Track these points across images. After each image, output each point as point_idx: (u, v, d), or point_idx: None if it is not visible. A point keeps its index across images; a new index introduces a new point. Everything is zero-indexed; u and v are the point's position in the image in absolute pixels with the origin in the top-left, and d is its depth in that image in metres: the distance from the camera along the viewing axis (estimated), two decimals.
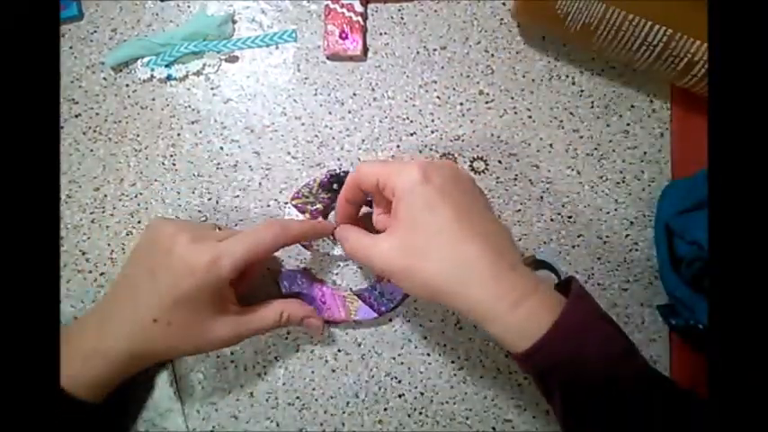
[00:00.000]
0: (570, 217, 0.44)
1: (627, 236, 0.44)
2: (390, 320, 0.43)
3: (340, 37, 0.45)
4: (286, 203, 0.44)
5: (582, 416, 0.31)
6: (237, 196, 0.45)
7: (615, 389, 0.30)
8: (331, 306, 0.42)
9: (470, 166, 0.45)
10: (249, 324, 0.38)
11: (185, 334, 0.36)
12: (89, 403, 0.35)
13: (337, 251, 0.43)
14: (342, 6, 0.45)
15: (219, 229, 0.39)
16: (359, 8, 0.45)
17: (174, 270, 0.35)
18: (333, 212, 0.44)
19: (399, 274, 0.33)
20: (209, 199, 0.45)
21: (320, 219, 0.43)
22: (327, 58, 0.46)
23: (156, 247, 0.36)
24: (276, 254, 0.44)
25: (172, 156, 0.45)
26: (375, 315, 0.42)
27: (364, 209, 0.42)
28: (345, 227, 0.38)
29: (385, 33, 0.46)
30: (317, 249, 0.43)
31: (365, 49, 0.46)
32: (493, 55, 0.46)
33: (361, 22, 0.45)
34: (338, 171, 0.43)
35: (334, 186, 0.43)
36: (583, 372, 0.30)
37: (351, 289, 0.43)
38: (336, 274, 0.44)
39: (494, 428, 0.42)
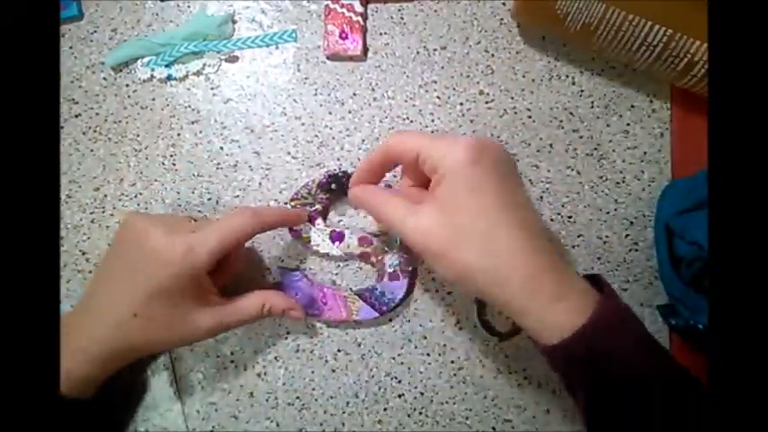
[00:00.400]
0: (570, 217, 0.44)
1: (627, 236, 0.44)
2: (390, 320, 0.43)
3: (340, 37, 0.45)
4: (285, 203, 0.44)
5: (607, 413, 0.31)
6: (237, 196, 0.45)
7: (644, 387, 0.30)
8: (332, 307, 0.42)
9: None
10: (231, 315, 0.38)
11: (167, 327, 0.36)
12: (77, 400, 0.36)
13: (337, 251, 0.43)
14: (342, 6, 0.45)
15: (194, 220, 0.39)
16: (359, 8, 0.45)
17: (150, 264, 0.34)
18: (332, 213, 0.44)
19: (434, 256, 0.32)
20: (209, 199, 0.45)
21: (319, 220, 0.43)
22: (327, 58, 0.46)
23: (130, 243, 0.36)
24: (276, 254, 0.44)
25: (172, 156, 0.45)
26: (376, 315, 0.42)
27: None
28: (375, 188, 0.36)
29: (385, 33, 0.46)
30: (317, 249, 0.43)
31: (365, 49, 0.46)
32: (493, 55, 0.46)
33: (361, 22, 0.45)
34: (337, 172, 0.43)
35: (333, 187, 0.42)
36: (612, 368, 0.30)
37: (351, 289, 0.43)
38: (336, 274, 0.44)
39: (494, 428, 0.42)
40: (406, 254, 0.43)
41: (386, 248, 0.43)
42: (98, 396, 0.37)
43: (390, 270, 0.42)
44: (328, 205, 0.44)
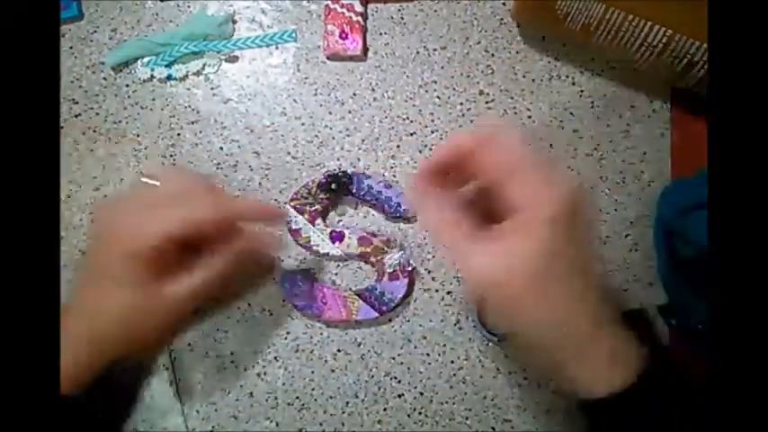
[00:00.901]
0: None
1: (627, 236, 0.44)
2: (390, 320, 0.43)
3: (340, 37, 0.45)
4: (285, 203, 0.44)
5: None
6: (237, 196, 0.45)
7: None
8: (332, 306, 0.42)
9: None
10: (198, 268, 0.35)
11: (147, 309, 0.34)
12: (73, 397, 0.34)
13: (337, 251, 0.43)
14: (342, 6, 0.45)
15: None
16: (359, 8, 0.45)
17: (101, 248, 0.34)
18: (332, 213, 0.44)
19: (493, 305, 0.30)
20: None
21: (318, 220, 0.43)
22: (327, 58, 0.46)
23: (98, 224, 0.36)
24: (275, 254, 0.44)
25: (172, 156, 0.45)
26: (376, 314, 0.42)
27: None
28: (439, 200, 0.31)
29: (385, 33, 0.46)
30: (317, 249, 0.43)
31: (365, 49, 0.46)
32: (493, 55, 0.46)
33: (362, 22, 0.45)
34: (337, 172, 0.43)
35: (333, 187, 0.42)
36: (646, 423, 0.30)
37: (351, 289, 0.43)
38: (336, 274, 0.44)
39: (494, 428, 0.42)
40: (405, 254, 0.43)
41: (385, 248, 0.43)
42: (95, 395, 0.37)
43: (390, 270, 0.42)
44: (328, 205, 0.44)
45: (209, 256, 0.36)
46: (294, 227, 0.43)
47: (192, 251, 0.36)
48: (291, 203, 0.43)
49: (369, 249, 0.43)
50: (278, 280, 0.43)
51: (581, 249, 0.30)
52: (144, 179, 0.37)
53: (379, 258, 0.43)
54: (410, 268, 0.43)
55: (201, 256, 0.36)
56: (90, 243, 0.37)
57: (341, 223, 0.44)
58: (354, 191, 0.43)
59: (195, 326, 0.43)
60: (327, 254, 0.43)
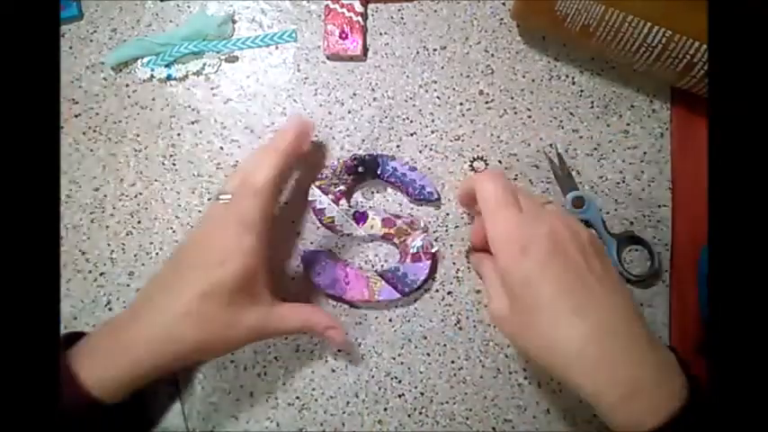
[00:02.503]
0: None
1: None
2: (390, 320, 0.43)
3: (340, 37, 0.45)
4: (310, 186, 0.43)
5: None
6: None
7: None
8: (354, 286, 0.42)
9: (470, 165, 0.45)
10: (274, 321, 0.37)
11: (220, 326, 0.35)
12: (105, 403, 0.34)
13: (360, 231, 0.43)
14: (342, 6, 0.45)
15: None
16: (359, 8, 0.45)
17: (209, 261, 0.35)
18: (356, 194, 0.45)
19: (510, 340, 0.36)
20: (209, 199, 0.45)
21: (342, 200, 0.43)
22: (327, 58, 0.46)
23: (198, 241, 0.37)
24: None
25: (172, 156, 0.45)
26: (398, 296, 0.42)
27: None
28: (481, 256, 0.39)
29: (385, 33, 0.46)
30: (340, 230, 0.43)
31: (365, 49, 0.46)
32: (493, 55, 0.46)
33: (362, 22, 0.45)
34: (363, 155, 0.44)
35: (360, 170, 0.43)
36: None
37: (374, 269, 0.43)
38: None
39: (494, 428, 0.42)
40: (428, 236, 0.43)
41: (409, 230, 0.43)
42: (127, 402, 0.35)
43: (413, 251, 0.42)
44: (353, 186, 0.44)
45: (290, 312, 0.38)
46: (318, 206, 0.43)
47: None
48: (316, 183, 0.43)
49: (392, 231, 0.43)
50: (301, 260, 0.43)
51: (555, 280, 0.31)
52: (221, 197, 0.38)
53: (402, 240, 0.43)
54: (433, 250, 0.43)
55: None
56: (171, 265, 0.37)
57: (365, 204, 0.44)
58: (380, 173, 0.43)
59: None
60: (351, 234, 0.43)
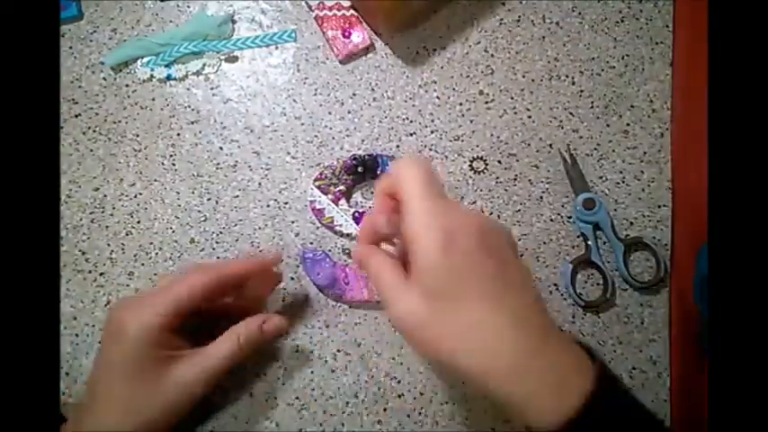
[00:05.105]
0: (570, 217, 0.44)
1: (627, 236, 0.44)
2: (390, 320, 0.43)
3: (344, 37, 0.45)
4: (312, 179, 0.44)
5: None
6: (237, 196, 0.45)
7: None
8: (354, 286, 0.42)
9: (470, 166, 0.45)
10: (208, 358, 0.36)
11: (151, 395, 0.35)
12: None
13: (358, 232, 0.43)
14: (330, 9, 0.45)
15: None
16: (345, 2, 0.45)
17: (113, 346, 0.35)
18: (356, 194, 0.45)
19: (422, 346, 0.30)
20: (209, 199, 0.45)
21: (342, 200, 0.43)
22: (340, 62, 0.46)
23: (108, 335, 0.36)
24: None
25: (172, 156, 0.45)
26: None
27: None
28: (375, 254, 0.33)
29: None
30: (339, 230, 0.43)
31: (371, 38, 0.46)
32: (493, 55, 0.46)
33: (356, 14, 0.45)
34: (363, 155, 0.43)
35: (359, 170, 0.43)
36: None
37: None
38: None
39: (493, 429, 0.42)
40: None
41: None
42: None
43: None
44: (352, 186, 0.44)
45: (217, 343, 0.37)
46: (318, 207, 0.43)
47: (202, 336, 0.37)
48: (315, 183, 0.44)
49: None
50: (300, 261, 0.43)
51: (476, 277, 0.29)
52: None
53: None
54: None
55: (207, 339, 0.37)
56: (102, 341, 0.37)
57: (364, 204, 0.44)
58: (379, 173, 0.44)
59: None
60: (350, 234, 0.43)
